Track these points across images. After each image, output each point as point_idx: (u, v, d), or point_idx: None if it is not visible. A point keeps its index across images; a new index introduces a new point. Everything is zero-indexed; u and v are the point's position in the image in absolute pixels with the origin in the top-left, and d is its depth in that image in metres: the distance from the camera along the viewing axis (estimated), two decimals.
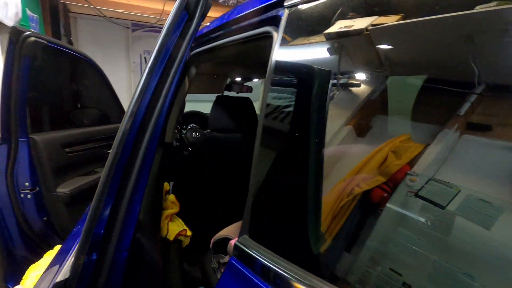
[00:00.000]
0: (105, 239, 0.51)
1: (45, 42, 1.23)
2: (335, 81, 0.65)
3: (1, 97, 1.18)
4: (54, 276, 0.52)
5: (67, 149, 1.47)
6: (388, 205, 0.51)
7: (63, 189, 1.40)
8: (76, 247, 0.48)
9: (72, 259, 0.49)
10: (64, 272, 0.50)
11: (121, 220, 0.51)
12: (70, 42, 4.02)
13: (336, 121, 0.63)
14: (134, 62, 4.70)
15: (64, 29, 3.92)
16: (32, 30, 1.21)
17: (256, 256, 0.50)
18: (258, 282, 0.47)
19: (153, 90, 0.57)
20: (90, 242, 0.48)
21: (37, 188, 1.33)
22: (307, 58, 0.64)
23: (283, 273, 0.46)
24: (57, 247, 0.92)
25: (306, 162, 0.55)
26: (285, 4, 0.64)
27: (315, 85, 0.61)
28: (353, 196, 0.58)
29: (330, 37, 0.64)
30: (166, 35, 0.58)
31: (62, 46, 1.44)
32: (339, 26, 0.62)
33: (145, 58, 4.76)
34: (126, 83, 4.69)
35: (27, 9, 2.28)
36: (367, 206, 0.55)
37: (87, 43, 4.31)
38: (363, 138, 0.62)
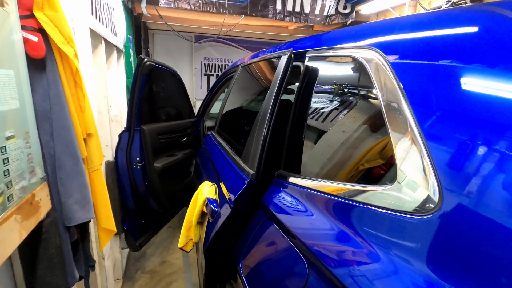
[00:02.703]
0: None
1: (154, 64, 1.74)
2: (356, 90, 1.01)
3: (129, 101, 1.70)
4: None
5: (160, 137, 1.96)
6: None
7: (157, 164, 1.89)
8: (257, 161, 1.06)
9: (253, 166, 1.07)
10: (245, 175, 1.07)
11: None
12: (148, 54, 4.78)
13: (357, 122, 0.98)
14: (195, 68, 5.33)
15: (143, 43, 4.69)
16: (147, 57, 1.71)
17: (286, 176, 0.99)
18: (287, 183, 0.96)
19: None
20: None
21: (143, 162, 1.86)
22: (321, 76, 1.07)
23: (299, 178, 0.91)
24: (205, 182, 1.40)
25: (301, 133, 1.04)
26: (306, 55, 1.15)
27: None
28: (359, 171, 0.92)
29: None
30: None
31: (160, 64, 1.94)
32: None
33: (204, 64, 5.38)
34: (189, 85, 5.34)
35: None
36: (368, 178, 0.87)
37: (160, 54, 5.03)
38: (376, 132, 0.94)
